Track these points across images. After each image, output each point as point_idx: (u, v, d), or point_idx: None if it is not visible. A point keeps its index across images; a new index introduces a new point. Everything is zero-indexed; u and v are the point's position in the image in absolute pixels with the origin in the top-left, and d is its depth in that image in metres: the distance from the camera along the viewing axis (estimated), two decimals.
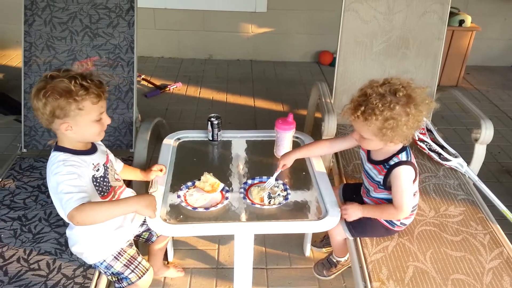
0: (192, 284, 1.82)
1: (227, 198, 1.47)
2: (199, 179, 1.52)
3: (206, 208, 1.42)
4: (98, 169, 1.35)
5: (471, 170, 1.93)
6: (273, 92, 3.71)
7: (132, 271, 1.44)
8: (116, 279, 1.44)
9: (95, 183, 1.32)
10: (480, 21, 3.93)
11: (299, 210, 1.46)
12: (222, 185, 1.51)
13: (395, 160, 1.38)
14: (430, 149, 1.97)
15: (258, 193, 1.47)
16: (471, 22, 3.84)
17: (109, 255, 1.42)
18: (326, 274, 1.83)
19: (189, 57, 4.39)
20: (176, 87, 3.68)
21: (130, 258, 1.45)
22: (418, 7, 2.25)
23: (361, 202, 1.57)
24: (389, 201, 1.44)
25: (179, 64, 4.24)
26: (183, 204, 1.44)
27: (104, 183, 1.36)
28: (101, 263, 1.41)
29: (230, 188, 1.53)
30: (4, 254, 1.44)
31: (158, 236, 1.65)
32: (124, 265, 1.43)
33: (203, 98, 3.56)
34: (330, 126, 1.99)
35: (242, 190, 1.50)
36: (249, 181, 1.55)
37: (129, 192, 1.53)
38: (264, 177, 1.57)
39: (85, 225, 1.24)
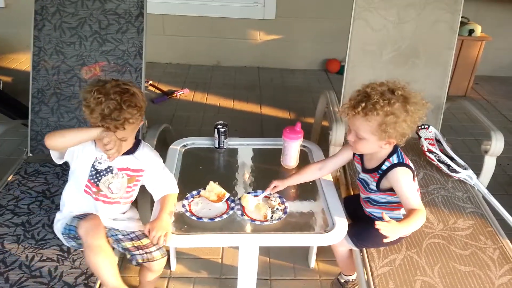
0: None
1: (232, 208, 1.45)
2: (205, 188, 1.50)
3: (211, 219, 1.40)
4: (101, 162, 1.44)
5: (480, 183, 1.90)
6: (280, 100, 3.70)
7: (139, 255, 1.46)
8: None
9: (91, 168, 1.44)
10: (490, 30, 3.90)
11: (304, 222, 1.44)
12: (228, 194, 1.49)
13: (387, 164, 1.38)
14: (439, 160, 1.94)
15: (260, 210, 1.44)
16: (481, 32, 3.82)
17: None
18: None
19: (197, 64, 4.39)
20: (183, 93, 3.68)
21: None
22: (429, 16, 2.23)
23: (362, 215, 1.55)
24: (390, 203, 1.43)
25: (186, 70, 4.25)
26: (188, 213, 1.42)
27: (96, 178, 1.44)
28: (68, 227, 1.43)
29: (236, 198, 1.51)
30: (6, 260, 1.43)
31: (142, 263, 1.50)
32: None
33: (209, 104, 3.55)
34: (337, 135, 1.97)
35: (238, 206, 1.46)
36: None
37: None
38: (259, 191, 1.53)
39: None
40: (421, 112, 1.31)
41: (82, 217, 1.41)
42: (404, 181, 1.34)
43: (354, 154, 1.53)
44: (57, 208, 1.51)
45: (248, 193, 1.52)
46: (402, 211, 1.46)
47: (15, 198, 1.72)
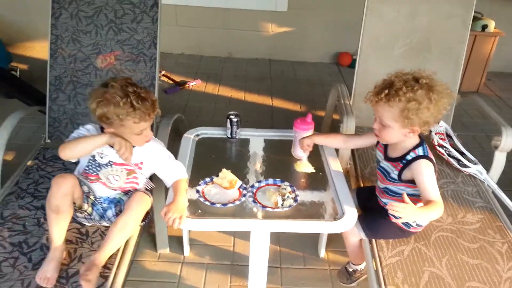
0: (207, 279, 1.85)
1: (244, 195, 1.48)
2: (217, 175, 1.54)
3: (224, 204, 1.44)
4: (102, 157, 1.49)
5: (490, 178, 1.91)
6: (291, 92, 3.71)
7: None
8: None
9: (90, 159, 1.50)
10: (503, 26, 3.86)
11: (315, 210, 1.47)
12: (240, 182, 1.53)
13: (412, 155, 1.40)
14: (449, 155, 1.96)
15: (270, 197, 1.47)
16: (494, 27, 3.78)
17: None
18: (347, 282, 1.82)
19: (209, 55, 4.42)
20: (195, 84, 3.71)
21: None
22: (442, 10, 2.23)
23: (376, 205, 1.57)
24: (408, 196, 1.43)
25: (198, 61, 4.28)
26: (201, 199, 1.46)
27: (96, 169, 1.50)
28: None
29: (247, 185, 1.55)
30: (28, 241, 1.49)
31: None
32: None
33: (221, 95, 3.58)
34: (348, 128, 1.99)
35: (250, 193, 1.50)
36: (256, 184, 1.55)
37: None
38: (270, 180, 1.57)
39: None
40: (445, 100, 1.32)
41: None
42: (427, 174, 1.36)
43: (378, 142, 1.55)
44: None
45: (260, 182, 1.55)
46: (419, 205, 1.47)
47: (35, 182, 1.77)
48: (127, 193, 1.57)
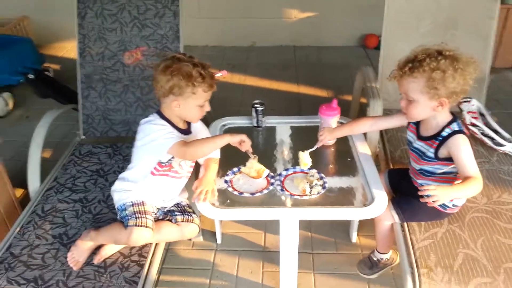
0: (240, 265, 1.89)
1: (272, 184, 1.50)
2: (245, 165, 1.56)
3: (252, 194, 1.46)
4: None
5: None
6: (317, 78, 3.67)
7: (135, 218, 1.46)
8: (122, 222, 1.51)
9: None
10: None
11: (344, 197, 1.47)
12: (267, 171, 1.54)
13: (448, 131, 1.37)
14: (483, 134, 1.89)
15: (298, 185, 1.48)
16: None
17: (131, 201, 1.51)
18: (369, 273, 1.78)
19: (233, 45, 4.42)
20: (221, 75, 3.69)
21: (142, 211, 1.50)
22: None
23: (409, 187, 1.54)
24: (446, 174, 1.42)
25: (223, 52, 4.29)
26: (230, 189, 1.49)
27: (170, 158, 1.51)
28: (122, 205, 1.51)
29: (275, 174, 1.56)
30: (68, 233, 1.57)
31: (180, 222, 1.60)
32: (134, 211, 1.48)
33: (247, 85, 3.59)
34: (375, 111, 1.96)
35: (278, 182, 1.51)
36: (284, 172, 1.56)
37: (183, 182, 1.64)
38: (298, 167, 1.57)
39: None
40: (471, 69, 1.30)
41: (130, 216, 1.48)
42: (465, 148, 1.34)
43: (409, 123, 1.53)
44: (111, 185, 1.62)
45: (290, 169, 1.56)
46: (456, 183, 1.44)
47: (72, 177, 1.85)
48: (179, 206, 1.64)
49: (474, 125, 1.91)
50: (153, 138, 1.45)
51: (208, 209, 1.40)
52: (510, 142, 1.85)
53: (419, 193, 1.25)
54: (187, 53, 1.51)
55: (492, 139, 1.87)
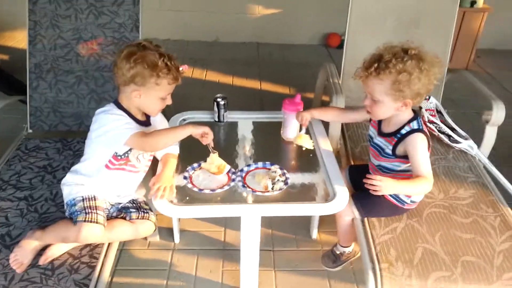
0: (198, 265, 1.82)
1: (233, 180, 1.45)
2: (205, 161, 1.50)
3: (212, 190, 1.41)
4: None
5: (481, 153, 1.90)
6: (280, 75, 3.67)
7: (84, 213, 1.36)
8: (70, 218, 1.41)
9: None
10: (492, 1, 3.82)
11: (306, 193, 1.44)
12: (228, 167, 1.49)
13: (407, 129, 1.38)
14: (439, 131, 1.94)
15: (260, 181, 1.44)
16: (483, 3, 3.75)
17: (81, 195, 1.42)
18: (333, 266, 1.79)
19: (196, 39, 4.33)
20: (182, 69, 3.61)
21: (93, 206, 1.40)
22: None
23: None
24: (404, 172, 1.42)
25: (185, 46, 4.20)
26: (189, 185, 1.42)
27: (127, 151, 1.44)
28: (71, 200, 1.41)
29: (236, 170, 1.51)
30: (11, 233, 1.44)
31: (135, 219, 1.51)
32: (84, 207, 1.39)
33: (209, 81, 3.52)
34: (338, 106, 1.95)
35: (239, 178, 1.46)
36: (245, 168, 1.52)
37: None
38: (260, 163, 1.54)
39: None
40: (436, 70, 1.30)
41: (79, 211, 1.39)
42: (420, 148, 1.34)
43: (371, 118, 1.52)
44: (59, 182, 1.52)
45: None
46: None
47: (17, 173, 1.72)
48: (134, 203, 1.55)
49: (432, 122, 1.95)
50: (108, 129, 1.36)
51: (165, 207, 1.33)
52: (466, 139, 1.91)
53: (364, 180, 1.27)
54: (153, 42, 1.42)
55: (449, 136, 1.91)
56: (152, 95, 1.40)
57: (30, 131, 2.01)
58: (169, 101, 1.47)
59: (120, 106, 1.43)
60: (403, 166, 1.43)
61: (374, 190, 1.27)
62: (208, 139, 1.44)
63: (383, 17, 2.22)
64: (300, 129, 1.66)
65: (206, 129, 1.42)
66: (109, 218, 1.48)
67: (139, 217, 1.50)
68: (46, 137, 1.96)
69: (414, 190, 1.40)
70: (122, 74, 1.35)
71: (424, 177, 1.31)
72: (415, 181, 1.32)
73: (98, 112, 1.42)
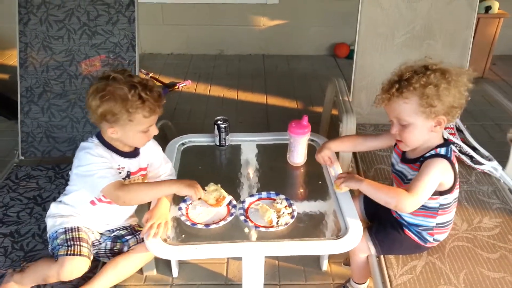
0: None
1: (231, 214, 1.32)
2: (205, 190, 1.37)
3: (206, 225, 1.28)
4: (120, 172, 1.32)
5: (506, 175, 1.74)
6: (287, 88, 3.54)
7: (66, 246, 1.25)
8: (52, 254, 1.29)
9: None
10: (508, 7, 3.66)
11: (315, 227, 1.31)
12: (229, 198, 1.36)
13: (432, 152, 1.22)
14: (460, 151, 1.78)
15: (264, 214, 1.30)
16: (498, 8, 3.58)
17: (64, 227, 1.30)
18: None
19: (199, 53, 4.24)
20: (185, 85, 3.53)
21: (76, 237, 1.29)
22: None
23: (387, 215, 1.40)
24: (426, 209, 1.27)
25: (188, 60, 4.10)
26: (183, 218, 1.30)
27: None
28: (54, 233, 1.30)
29: (239, 200, 1.38)
30: None
31: (134, 245, 1.39)
32: (66, 239, 1.27)
33: (213, 96, 3.41)
34: (348, 126, 1.82)
35: (241, 211, 1.33)
36: (248, 199, 1.39)
37: None
38: (264, 193, 1.41)
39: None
40: (464, 79, 1.16)
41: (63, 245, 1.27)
42: (433, 170, 1.18)
43: (395, 143, 1.36)
44: None
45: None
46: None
47: (4, 206, 1.61)
48: (128, 228, 1.43)
49: (451, 142, 1.79)
50: (87, 173, 1.24)
51: (159, 247, 1.20)
52: (489, 160, 1.75)
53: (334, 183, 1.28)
54: (128, 70, 1.30)
55: (470, 157, 1.76)
56: (129, 130, 1.27)
57: (21, 158, 1.91)
58: (154, 132, 1.33)
59: (102, 140, 1.31)
60: (430, 201, 1.25)
61: (338, 179, 1.28)
62: (197, 196, 1.29)
63: (395, 29, 2.09)
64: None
65: (195, 190, 1.27)
66: (107, 253, 1.37)
67: (139, 241, 1.38)
68: (38, 164, 1.86)
69: (380, 197, 1.21)
70: (92, 112, 1.23)
71: (407, 192, 1.16)
72: (387, 188, 1.21)
73: (80, 149, 1.29)
